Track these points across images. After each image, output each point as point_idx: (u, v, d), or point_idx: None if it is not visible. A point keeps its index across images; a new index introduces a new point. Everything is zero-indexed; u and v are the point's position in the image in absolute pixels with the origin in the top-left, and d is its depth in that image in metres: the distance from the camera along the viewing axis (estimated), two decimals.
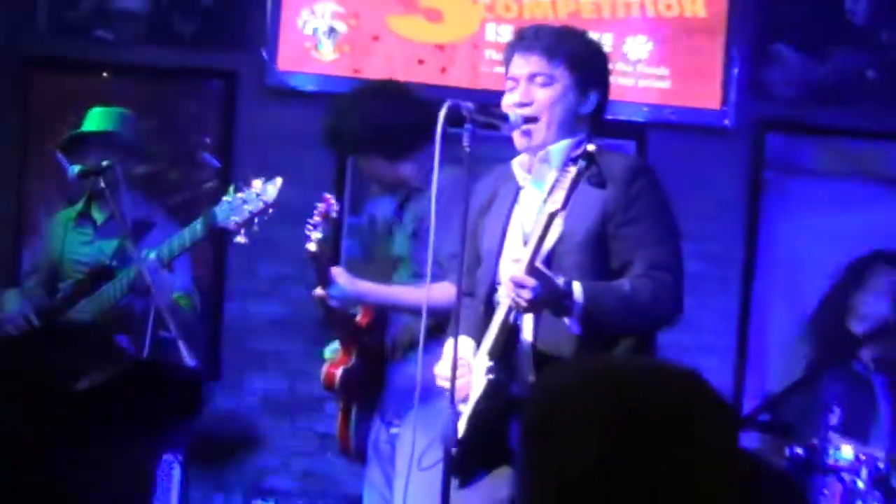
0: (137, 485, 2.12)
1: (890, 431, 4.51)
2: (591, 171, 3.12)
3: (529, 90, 3.28)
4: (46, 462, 1.23)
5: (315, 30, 5.20)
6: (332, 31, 5.22)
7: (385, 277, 4.18)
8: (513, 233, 3.40)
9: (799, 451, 4.19)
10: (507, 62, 3.42)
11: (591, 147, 3.08)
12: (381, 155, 4.09)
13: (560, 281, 3.11)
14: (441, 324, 3.58)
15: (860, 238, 5.20)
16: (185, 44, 5.29)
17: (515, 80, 3.33)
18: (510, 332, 3.25)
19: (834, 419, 4.26)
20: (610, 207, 3.19)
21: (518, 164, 3.40)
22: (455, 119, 3.21)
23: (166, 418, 1.37)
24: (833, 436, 4.21)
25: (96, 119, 4.50)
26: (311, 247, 3.93)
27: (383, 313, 4.11)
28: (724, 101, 5.29)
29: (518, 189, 3.41)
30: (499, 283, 3.36)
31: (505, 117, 3.32)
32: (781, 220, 5.41)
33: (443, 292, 3.54)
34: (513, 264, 3.30)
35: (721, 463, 1.25)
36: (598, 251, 3.24)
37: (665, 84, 5.42)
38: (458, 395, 3.31)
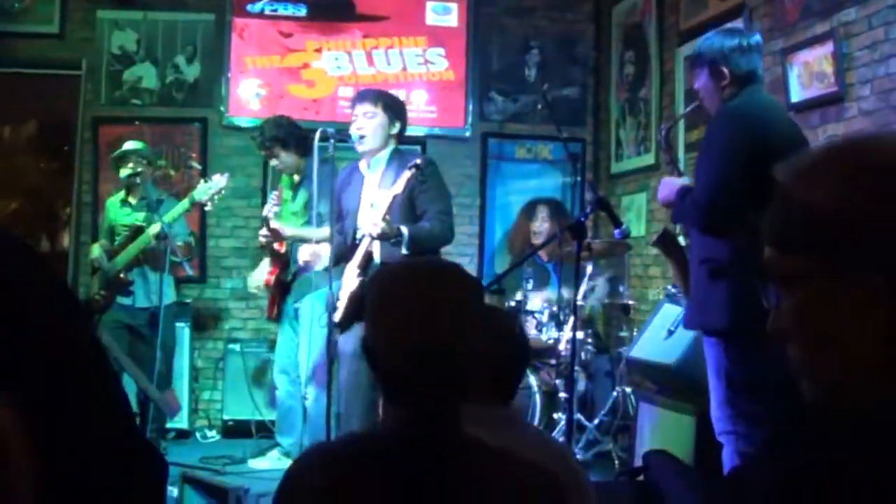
0: None
1: (557, 291, 5.18)
2: (417, 174, 3.84)
3: (363, 122, 4.07)
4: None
5: (248, 94, 6.50)
6: (257, 94, 6.50)
7: (290, 224, 4.95)
8: (364, 200, 4.09)
9: (512, 303, 5.32)
10: (353, 106, 4.20)
11: (419, 161, 3.78)
12: (293, 150, 4.88)
13: (395, 226, 3.78)
14: (318, 251, 4.38)
15: (531, 191, 6.48)
16: (179, 105, 6.56)
17: (356, 116, 4.11)
18: (368, 254, 3.93)
19: (529, 286, 5.34)
20: (416, 184, 3.88)
21: (362, 164, 4.14)
22: (324, 138, 4.11)
23: None
24: (529, 293, 5.29)
25: (130, 145, 5.36)
26: (267, 213, 4.85)
27: (293, 245, 4.82)
28: (465, 123, 6.63)
29: (362, 177, 4.14)
30: (358, 228, 4.01)
31: (349, 136, 4.17)
32: (497, 184, 6.69)
33: (322, 232, 4.48)
34: (370, 214, 3.85)
35: (475, 304, 1.52)
36: (410, 206, 3.99)
37: (434, 115, 6.74)
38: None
